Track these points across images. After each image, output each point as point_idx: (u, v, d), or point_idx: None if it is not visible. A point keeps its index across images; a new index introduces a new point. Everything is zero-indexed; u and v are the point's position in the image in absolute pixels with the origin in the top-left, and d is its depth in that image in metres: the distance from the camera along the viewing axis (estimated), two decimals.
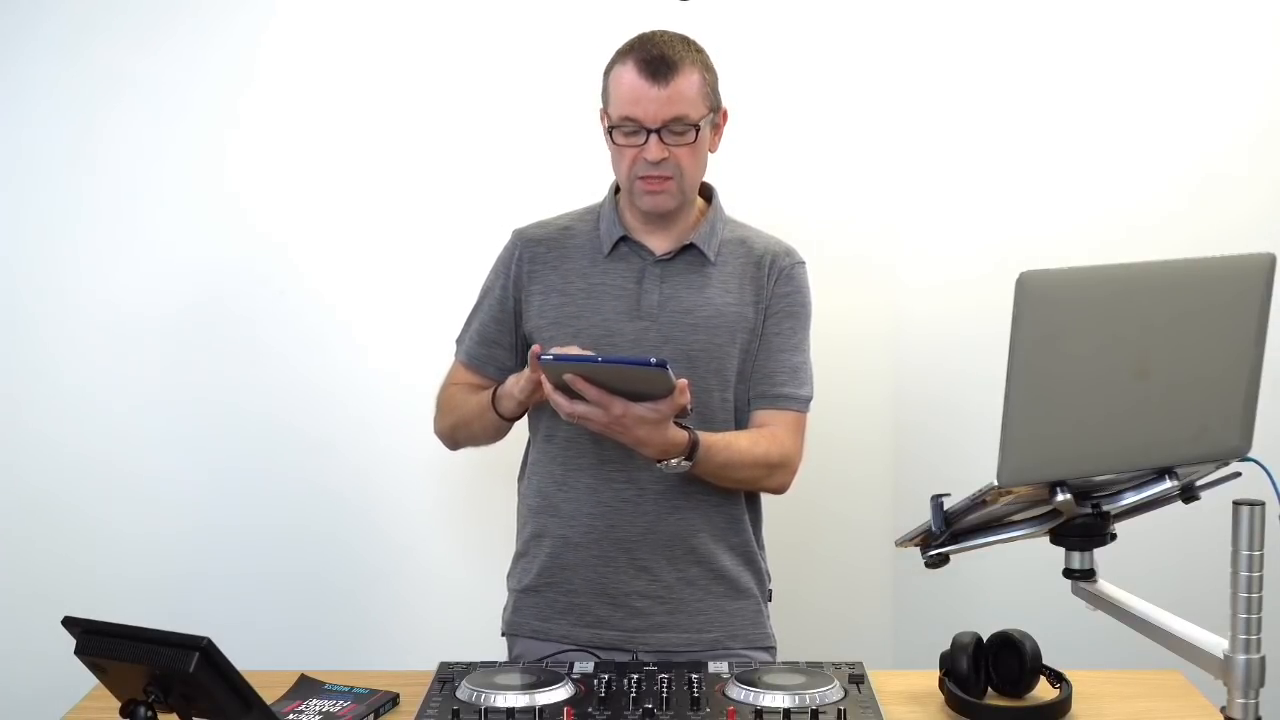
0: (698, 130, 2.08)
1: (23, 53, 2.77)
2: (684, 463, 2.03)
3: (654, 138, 2.06)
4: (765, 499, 2.26)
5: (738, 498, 2.20)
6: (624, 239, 2.18)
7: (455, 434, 2.28)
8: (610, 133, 2.11)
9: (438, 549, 2.89)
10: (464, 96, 2.78)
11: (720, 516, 2.18)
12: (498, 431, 2.22)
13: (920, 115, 2.81)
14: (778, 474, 2.17)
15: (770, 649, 2.25)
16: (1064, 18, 2.77)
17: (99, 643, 1.57)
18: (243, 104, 2.80)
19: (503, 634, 2.28)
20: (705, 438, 2.05)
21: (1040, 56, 2.79)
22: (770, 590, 2.28)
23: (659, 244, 2.17)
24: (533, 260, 2.21)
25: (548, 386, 1.96)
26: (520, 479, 2.29)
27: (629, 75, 2.07)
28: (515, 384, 2.10)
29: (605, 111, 2.13)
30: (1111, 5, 2.77)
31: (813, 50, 2.79)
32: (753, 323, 2.17)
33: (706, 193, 2.24)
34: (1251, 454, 1.60)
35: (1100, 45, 2.78)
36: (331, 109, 2.79)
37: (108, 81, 2.77)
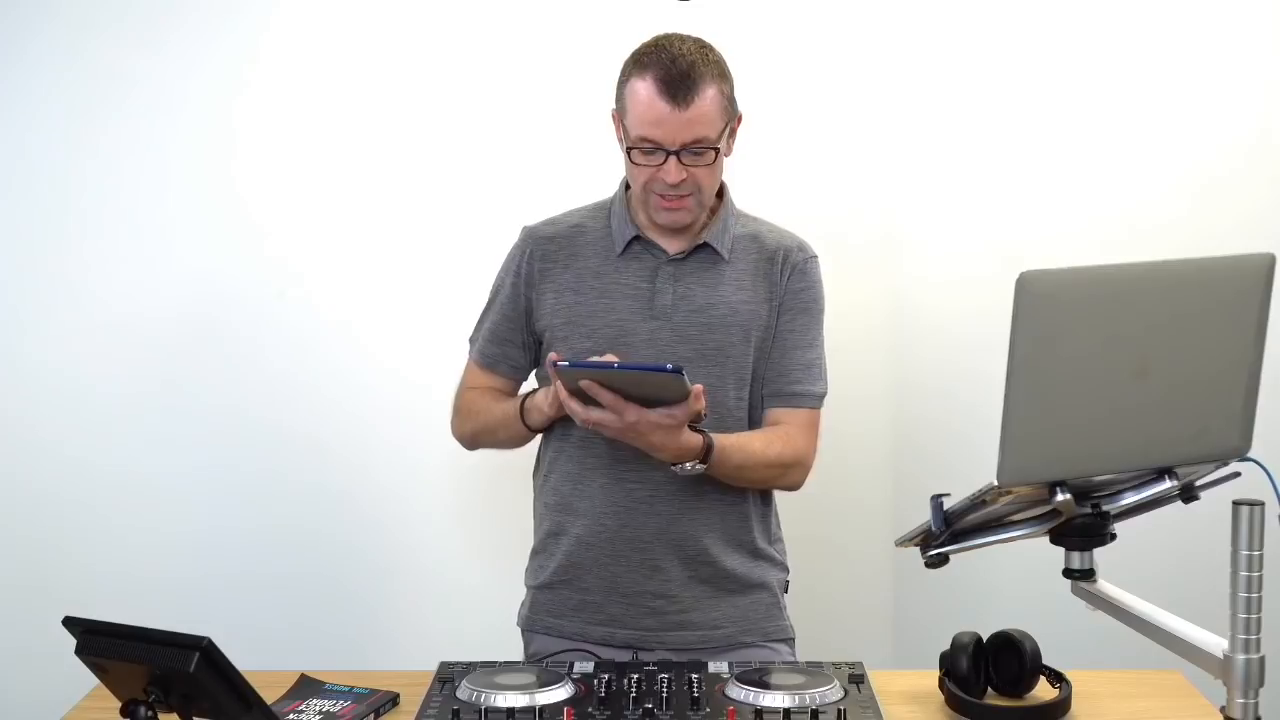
0: (716, 151, 2.06)
1: (23, 53, 2.77)
2: (699, 466, 2.03)
3: (673, 159, 2.03)
4: (776, 493, 2.26)
5: (746, 497, 2.19)
6: (637, 238, 2.16)
7: (477, 439, 2.28)
8: (628, 151, 2.07)
9: (438, 549, 2.89)
10: (465, 94, 2.78)
11: (734, 515, 2.18)
12: (522, 440, 2.24)
13: (923, 115, 2.81)
14: (792, 473, 2.17)
15: (789, 640, 2.24)
16: (1069, 19, 2.77)
17: (99, 643, 1.57)
18: (243, 104, 2.80)
19: (518, 626, 2.28)
20: (719, 440, 2.04)
21: (1045, 57, 2.79)
22: (787, 581, 2.28)
23: (672, 243, 2.16)
24: (544, 258, 2.19)
25: (563, 392, 1.96)
26: (535, 475, 2.29)
27: (648, 93, 2.01)
28: (545, 399, 2.10)
29: (622, 123, 2.08)
30: (1114, 7, 2.77)
31: (817, 46, 2.79)
32: (766, 320, 2.16)
33: (718, 188, 2.21)
34: (1251, 454, 1.60)
35: (1103, 47, 2.78)
36: (332, 108, 2.80)
37: (108, 81, 2.77)
